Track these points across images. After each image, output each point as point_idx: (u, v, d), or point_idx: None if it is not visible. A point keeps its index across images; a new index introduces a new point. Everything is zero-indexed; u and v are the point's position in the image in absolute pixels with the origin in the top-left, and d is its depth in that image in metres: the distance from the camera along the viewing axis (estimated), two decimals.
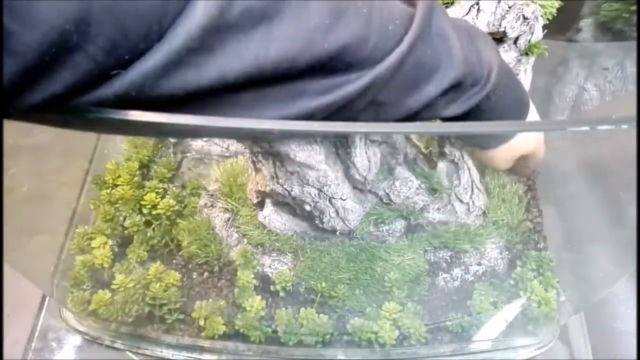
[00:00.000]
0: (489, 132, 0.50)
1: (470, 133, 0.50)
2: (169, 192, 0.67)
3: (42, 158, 0.65)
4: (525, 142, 0.53)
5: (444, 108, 0.41)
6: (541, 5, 0.54)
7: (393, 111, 0.39)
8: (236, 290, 0.60)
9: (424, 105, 0.39)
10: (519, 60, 0.60)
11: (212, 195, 0.66)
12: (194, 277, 0.64)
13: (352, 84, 0.34)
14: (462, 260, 0.63)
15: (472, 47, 0.41)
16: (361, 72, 0.34)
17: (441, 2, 0.54)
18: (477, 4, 0.52)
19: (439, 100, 0.40)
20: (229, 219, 0.63)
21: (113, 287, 0.59)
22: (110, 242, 0.62)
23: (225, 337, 0.59)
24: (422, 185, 0.57)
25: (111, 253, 0.61)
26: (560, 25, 0.66)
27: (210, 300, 0.60)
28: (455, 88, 0.40)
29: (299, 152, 0.50)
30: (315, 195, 0.55)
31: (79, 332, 0.62)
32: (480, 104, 0.42)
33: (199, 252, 0.63)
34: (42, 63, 0.24)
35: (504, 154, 0.53)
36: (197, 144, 0.75)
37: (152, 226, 0.64)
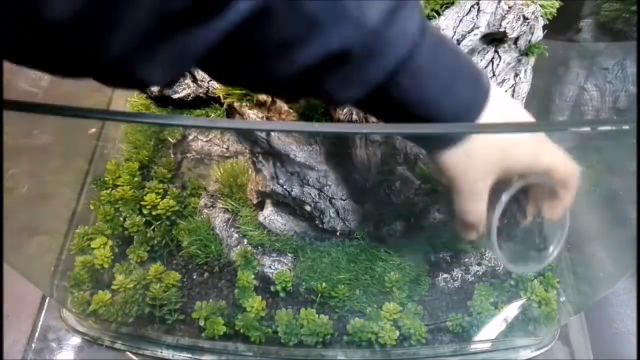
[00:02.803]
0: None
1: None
2: (169, 193, 0.67)
3: (42, 158, 0.65)
4: (508, 138, 0.39)
5: (333, 85, 0.34)
6: (541, 5, 0.54)
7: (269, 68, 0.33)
8: (236, 290, 0.60)
9: (303, 71, 0.32)
10: (519, 61, 0.60)
11: (212, 195, 0.66)
12: (194, 277, 0.64)
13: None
14: (462, 261, 0.63)
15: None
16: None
17: (440, 2, 0.54)
18: (477, 4, 0.52)
19: (325, 73, 0.33)
20: (229, 219, 0.63)
21: (113, 287, 0.59)
22: (110, 242, 0.62)
23: (225, 337, 0.59)
24: (423, 186, 0.57)
25: (111, 253, 0.61)
26: (560, 25, 0.66)
27: (211, 300, 0.60)
28: (344, 58, 0.32)
29: (299, 153, 0.50)
30: (315, 195, 0.55)
31: (79, 332, 0.62)
32: (386, 84, 0.34)
33: (199, 252, 0.63)
34: None
35: (474, 160, 0.39)
36: (197, 144, 0.75)
37: (152, 226, 0.64)
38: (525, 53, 0.58)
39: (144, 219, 0.64)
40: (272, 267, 0.61)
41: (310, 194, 0.54)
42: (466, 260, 0.63)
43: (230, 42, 0.29)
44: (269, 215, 0.59)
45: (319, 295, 0.59)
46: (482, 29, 0.53)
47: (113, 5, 0.24)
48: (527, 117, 0.42)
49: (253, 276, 0.60)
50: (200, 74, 0.64)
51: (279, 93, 0.40)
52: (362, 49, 0.32)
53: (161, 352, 0.60)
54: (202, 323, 0.58)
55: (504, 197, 0.42)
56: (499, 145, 0.39)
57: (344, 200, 0.55)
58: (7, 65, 0.28)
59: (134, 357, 0.61)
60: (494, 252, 0.44)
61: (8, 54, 0.27)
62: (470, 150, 0.39)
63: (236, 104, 0.54)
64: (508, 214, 0.45)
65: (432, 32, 0.36)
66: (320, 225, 0.57)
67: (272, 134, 0.51)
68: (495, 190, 0.41)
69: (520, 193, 0.43)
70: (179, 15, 0.27)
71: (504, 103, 0.40)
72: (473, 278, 0.63)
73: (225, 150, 0.73)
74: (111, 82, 0.30)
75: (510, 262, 0.46)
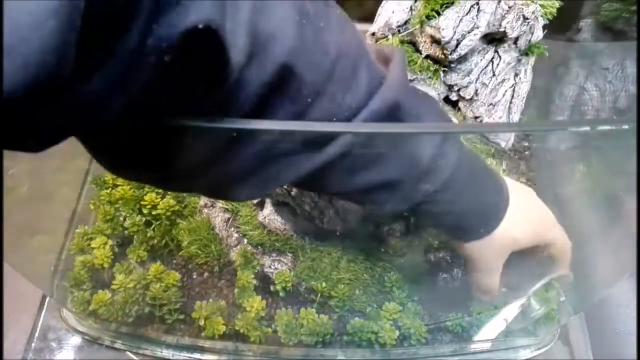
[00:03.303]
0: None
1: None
2: (169, 193, 0.67)
3: (42, 158, 0.65)
4: (520, 228, 0.46)
5: (379, 199, 0.40)
6: (541, 5, 0.54)
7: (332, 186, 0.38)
8: (236, 290, 0.60)
9: (358, 190, 0.38)
10: (519, 60, 0.60)
11: None
12: (194, 277, 0.64)
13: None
14: (462, 260, 0.63)
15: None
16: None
17: (440, 1, 0.54)
18: (477, 3, 0.52)
19: (377, 190, 0.39)
20: (229, 219, 0.63)
21: (113, 287, 0.59)
22: (110, 242, 0.62)
23: (225, 337, 0.59)
24: None
25: (111, 253, 0.61)
26: (560, 25, 0.66)
27: (210, 300, 0.60)
28: (394, 185, 0.38)
29: None
30: (315, 195, 0.55)
31: (79, 332, 0.62)
32: (425, 203, 0.40)
33: (199, 252, 0.63)
34: None
35: (493, 248, 0.47)
36: None
37: (152, 226, 0.64)
38: (525, 53, 0.58)
39: (144, 219, 0.64)
40: (272, 267, 0.61)
41: (310, 193, 0.54)
42: None
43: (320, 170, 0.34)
44: (269, 215, 0.59)
45: (319, 295, 0.59)
46: (482, 29, 0.53)
47: (226, 149, 0.29)
48: (537, 200, 0.50)
49: (253, 276, 0.60)
50: None
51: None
52: (412, 178, 0.38)
53: (161, 352, 0.60)
54: (202, 323, 0.58)
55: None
56: (514, 234, 0.46)
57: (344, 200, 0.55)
58: None
59: (134, 356, 0.61)
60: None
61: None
62: (491, 239, 0.46)
63: None
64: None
65: (466, 151, 0.42)
66: (320, 225, 0.57)
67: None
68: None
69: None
70: (283, 155, 0.32)
71: (519, 192, 0.47)
72: None
73: None
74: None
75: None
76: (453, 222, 0.45)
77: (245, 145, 0.30)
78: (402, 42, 0.59)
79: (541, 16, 0.55)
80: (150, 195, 0.63)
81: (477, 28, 0.53)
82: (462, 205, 0.43)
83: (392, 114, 0.34)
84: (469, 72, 0.59)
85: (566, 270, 0.52)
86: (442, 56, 0.56)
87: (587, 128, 0.36)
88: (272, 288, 0.60)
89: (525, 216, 0.47)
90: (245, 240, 0.61)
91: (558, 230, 0.51)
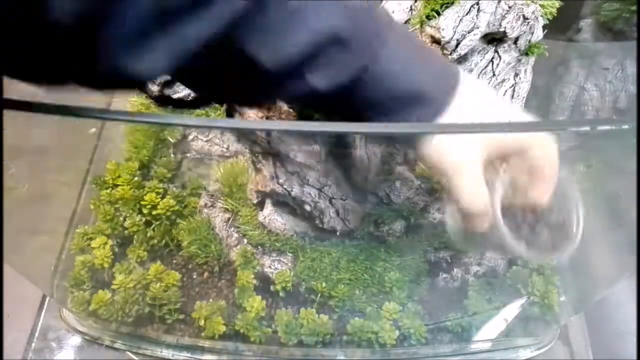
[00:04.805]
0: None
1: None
2: (169, 192, 0.67)
3: (42, 158, 0.65)
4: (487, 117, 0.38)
5: (313, 73, 0.33)
6: (541, 5, 0.54)
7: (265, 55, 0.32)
8: (236, 290, 0.60)
9: (292, 61, 0.32)
10: (519, 60, 0.60)
11: (212, 195, 0.66)
12: (194, 277, 0.64)
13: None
14: (462, 261, 0.63)
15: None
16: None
17: (440, 1, 0.54)
18: (477, 4, 0.52)
19: (310, 61, 0.33)
20: (229, 219, 0.63)
21: (113, 287, 0.59)
22: (110, 242, 0.62)
23: (225, 337, 0.59)
24: (423, 186, 0.57)
25: (111, 253, 0.61)
26: (560, 25, 0.66)
27: (210, 300, 0.60)
28: (332, 45, 0.32)
29: (299, 153, 0.50)
30: (315, 195, 0.55)
31: (79, 332, 0.62)
32: (361, 74, 0.34)
33: (199, 252, 0.63)
34: None
35: (453, 142, 0.38)
36: (197, 144, 0.75)
37: (152, 226, 0.64)
38: (525, 53, 0.58)
39: (144, 219, 0.64)
40: (272, 267, 0.61)
41: (310, 193, 0.54)
42: (466, 260, 0.63)
43: (221, 38, 0.30)
44: (269, 215, 0.59)
45: (319, 295, 0.59)
46: (482, 29, 0.53)
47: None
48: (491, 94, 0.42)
49: (253, 276, 0.60)
50: None
51: (261, 95, 0.39)
52: (349, 34, 0.32)
53: (161, 352, 0.60)
54: (202, 323, 0.58)
55: (497, 184, 0.41)
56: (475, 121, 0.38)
57: (344, 200, 0.55)
58: None
59: (134, 356, 0.61)
60: (506, 240, 0.42)
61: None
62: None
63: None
64: (509, 214, 0.44)
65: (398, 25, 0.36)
66: (320, 225, 0.57)
67: (272, 133, 0.51)
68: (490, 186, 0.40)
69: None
70: (176, 8, 0.28)
71: (473, 85, 0.39)
72: (473, 278, 0.63)
73: (225, 150, 0.73)
74: (106, 81, 0.30)
75: (528, 251, 0.44)
76: (403, 90, 0.36)
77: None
78: None
79: (541, 16, 0.55)
80: (150, 195, 0.64)
81: (477, 28, 0.53)
82: (398, 76, 0.35)
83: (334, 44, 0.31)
84: (469, 72, 0.59)
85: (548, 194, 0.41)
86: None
87: (587, 128, 0.36)
88: (272, 288, 0.60)
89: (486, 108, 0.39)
90: (245, 240, 0.61)
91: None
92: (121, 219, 0.64)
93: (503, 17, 0.53)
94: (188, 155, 0.74)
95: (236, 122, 0.30)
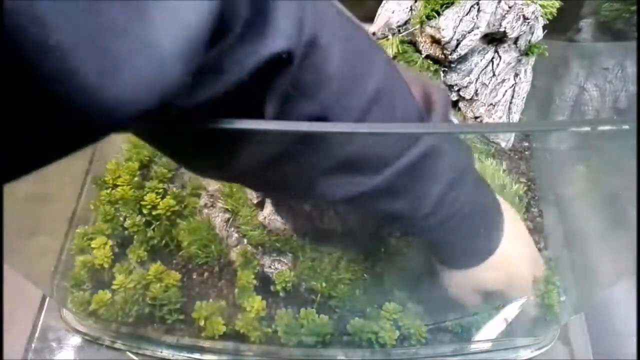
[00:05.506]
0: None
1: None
2: (169, 193, 0.67)
3: None
4: (495, 272, 0.48)
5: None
6: (541, 5, 0.54)
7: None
8: (236, 290, 0.60)
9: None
10: (519, 60, 0.60)
11: (212, 195, 0.66)
12: (194, 277, 0.64)
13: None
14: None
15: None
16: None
17: (441, 1, 0.54)
18: (477, 4, 0.52)
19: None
20: (229, 219, 0.63)
21: (113, 287, 0.59)
22: (110, 242, 0.62)
23: (225, 337, 0.59)
24: None
25: (111, 253, 0.61)
26: (560, 25, 0.66)
27: (211, 300, 0.60)
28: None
29: None
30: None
31: (79, 332, 0.62)
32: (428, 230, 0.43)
33: (199, 252, 0.63)
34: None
35: (469, 281, 0.49)
36: None
37: (152, 226, 0.64)
38: (525, 53, 0.59)
39: (144, 219, 0.64)
40: (272, 267, 0.61)
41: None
42: None
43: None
44: (269, 215, 0.59)
45: (319, 295, 0.59)
46: (482, 29, 0.53)
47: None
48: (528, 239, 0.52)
49: (253, 276, 0.60)
50: None
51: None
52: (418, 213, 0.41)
53: (161, 352, 0.60)
54: (202, 323, 0.58)
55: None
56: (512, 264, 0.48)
57: None
58: None
59: (134, 356, 0.61)
60: None
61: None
62: (467, 276, 0.48)
63: None
64: None
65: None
66: (320, 225, 0.57)
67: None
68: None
69: None
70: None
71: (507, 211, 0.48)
72: None
73: None
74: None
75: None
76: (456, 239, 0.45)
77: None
78: (402, 42, 0.59)
79: (541, 16, 0.55)
80: (150, 195, 0.64)
81: (477, 28, 0.53)
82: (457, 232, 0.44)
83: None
84: (469, 72, 0.59)
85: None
86: (442, 56, 0.56)
87: (587, 128, 0.36)
88: (272, 288, 0.60)
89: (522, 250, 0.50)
90: (246, 240, 0.61)
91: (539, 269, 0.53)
92: (121, 219, 0.64)
93: (503, 17, 0.53)
94: None
95: (236, 123, 0.30)
